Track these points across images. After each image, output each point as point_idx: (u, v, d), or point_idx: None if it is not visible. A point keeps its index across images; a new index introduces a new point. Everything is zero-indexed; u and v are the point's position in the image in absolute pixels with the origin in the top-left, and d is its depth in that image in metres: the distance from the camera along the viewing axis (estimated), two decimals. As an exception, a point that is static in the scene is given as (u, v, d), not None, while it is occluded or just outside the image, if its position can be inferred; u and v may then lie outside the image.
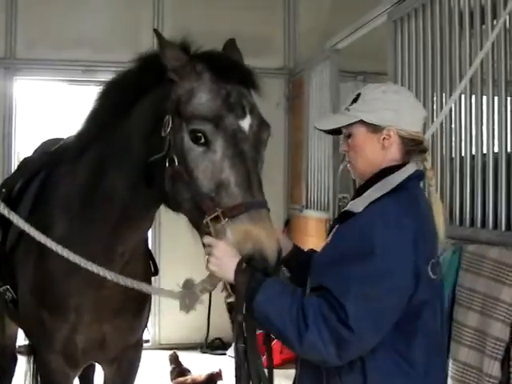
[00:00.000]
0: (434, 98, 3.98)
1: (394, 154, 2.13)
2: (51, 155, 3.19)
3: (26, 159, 3.88)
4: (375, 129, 2.12)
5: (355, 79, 7.29)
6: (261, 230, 2.00)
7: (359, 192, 2.15)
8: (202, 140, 2.13)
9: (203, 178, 2.12)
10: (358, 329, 1.86)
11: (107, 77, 2.64)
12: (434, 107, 3.97)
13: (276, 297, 1.95)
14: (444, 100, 3.85)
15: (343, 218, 2.12)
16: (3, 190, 3.49)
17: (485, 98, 3.45)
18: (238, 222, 2.01)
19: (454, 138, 3.75)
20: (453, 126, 3.76)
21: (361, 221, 2.00)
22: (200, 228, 2.12)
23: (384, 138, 2.11)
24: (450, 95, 3.74)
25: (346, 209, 2.10)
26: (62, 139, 3.22)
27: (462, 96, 3.65)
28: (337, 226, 2.17)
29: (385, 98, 2.12)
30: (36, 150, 3.91)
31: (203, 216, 2.08)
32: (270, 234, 2.01)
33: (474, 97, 3.55)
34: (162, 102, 2.27)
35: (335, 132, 2.30)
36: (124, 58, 2.57)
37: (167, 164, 2.20)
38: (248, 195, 2.05)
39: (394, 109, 2.10)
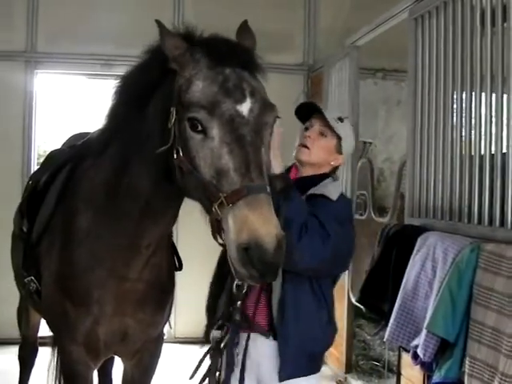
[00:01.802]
0: (455, 97, 3.97)
1: (328, 168, 2.96)
2: (77, 149, 3.24)
3: (52, 152, 3.92)
4: (339, 150, 2.93)
5: (374, 76, 7.29)
6: (257, 217, 1.98)
7: (310, 180, 2.90)
8: (200, 127, 2.13)
9: (204, 165, 2.12)
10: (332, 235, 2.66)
11: (126, 71, 2.64)
12: (455, 106, 3.96)
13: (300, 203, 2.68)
14: (464, 98, 3.85)
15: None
16: (30, 182, 3.54)
17: (505, 96, 3.44)
18: (236, 209, 2.00)
19: (473, 137, 3.74)
20: (473, 123, 3.75)
21: (338, 205, 2.80)
22: (209, 215, 2.13)
23: (336, 159, 2.94)
24: (471, 93, 3.74)
25: (321, 193, 2.81)
26: (89, 133, 3.26)
27: (483, 94, 3.64)
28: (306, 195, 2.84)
29: (352, 135, 3.01)
30: (64, 144, 3.94)
31: (211, 203, 2.09)
32: (267, 220, 1.99)
33: (494, 95, 3.54)
34: (169, 94, 2.27)
35: (304, 118, 3.00)
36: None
37: (175, 155, 2.22)
38: (246, 180, 2.04)
39: (351, 146, 3.03)
